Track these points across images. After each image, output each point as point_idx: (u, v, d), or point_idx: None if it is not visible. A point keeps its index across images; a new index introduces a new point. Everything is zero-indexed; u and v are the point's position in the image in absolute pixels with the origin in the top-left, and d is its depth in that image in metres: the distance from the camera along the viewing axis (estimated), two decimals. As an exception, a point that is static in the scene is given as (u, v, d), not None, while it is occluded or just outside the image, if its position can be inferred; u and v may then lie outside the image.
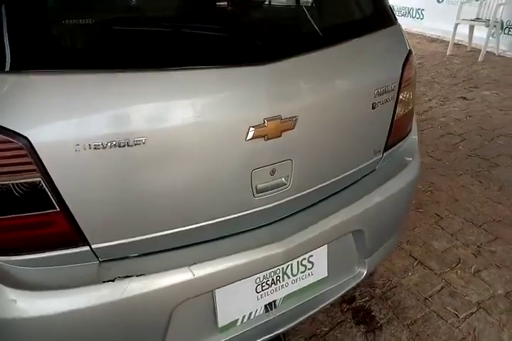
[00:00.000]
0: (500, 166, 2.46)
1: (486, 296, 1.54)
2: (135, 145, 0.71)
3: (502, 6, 4.60)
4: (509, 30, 4.97)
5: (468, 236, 1.88)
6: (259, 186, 0.86)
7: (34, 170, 0.69)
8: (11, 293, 0.73)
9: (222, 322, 0.94)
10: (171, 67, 0.72)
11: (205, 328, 0.95)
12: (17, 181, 0.69)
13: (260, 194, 0.87)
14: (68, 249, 0.77)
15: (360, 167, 1.04)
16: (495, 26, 4.66)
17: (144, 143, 0.71)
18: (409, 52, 1.07)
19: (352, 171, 1.02)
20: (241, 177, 0.83)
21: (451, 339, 1.38)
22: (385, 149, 1.09)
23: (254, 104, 0.78)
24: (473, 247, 1.81)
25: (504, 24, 4.93)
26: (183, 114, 0.74)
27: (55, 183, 0.70)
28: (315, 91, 0.86)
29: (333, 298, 1.12)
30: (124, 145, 0.70)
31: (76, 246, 0.78)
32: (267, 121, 0.79)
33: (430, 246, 1.83)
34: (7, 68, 0.64)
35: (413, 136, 1.24)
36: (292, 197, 0.92)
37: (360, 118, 0.97)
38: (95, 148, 0.69)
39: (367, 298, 1.57)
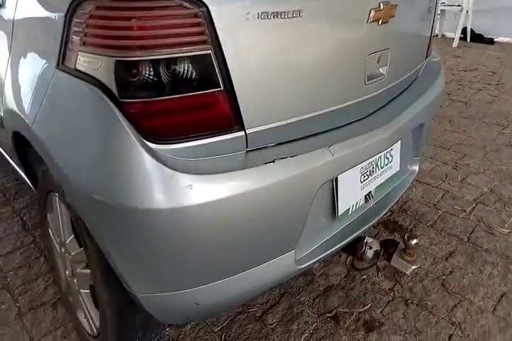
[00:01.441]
0: (442, 107, 2.91)
1: (478, 194, 1.87)
2: (293, 17, 0.73)
3: None
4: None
5: (444, 156, 2.22)
6: (368, 73, 0.94)
7: (205, 42, 0.65)
8: (185, 178, 0.68)
9: (340, 210, 1.01)
10: None
11: (327, 216, 1.00)
12: (185, 54, 0.64)
13: (369, 81, 0.95)
14: (224, 134, 0.74)
15: (417, 67, 1.19)
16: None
17: (300, 16, 0.73)
18: None
19: (416, 69, 1.16)
20: (359, 61, 0.90)
21: (468, 227, 1.66)
22: (426, 56, 1.26)
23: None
24: (451, 164, 2.15)
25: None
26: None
27: (225, 57, 0.67)
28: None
29: (401, 193, 1.27)
30: (285, 17, 0.71)
31: (232, 131, 0.75)
32: (382, 4, 0.87)
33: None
34: None
35: (437, 58, 1.43)
36: (387, 87, 1.02)
37: (422, 19, 1.11)
38: (262, 18, 0.69)
39: (389, 214, 1.77)
